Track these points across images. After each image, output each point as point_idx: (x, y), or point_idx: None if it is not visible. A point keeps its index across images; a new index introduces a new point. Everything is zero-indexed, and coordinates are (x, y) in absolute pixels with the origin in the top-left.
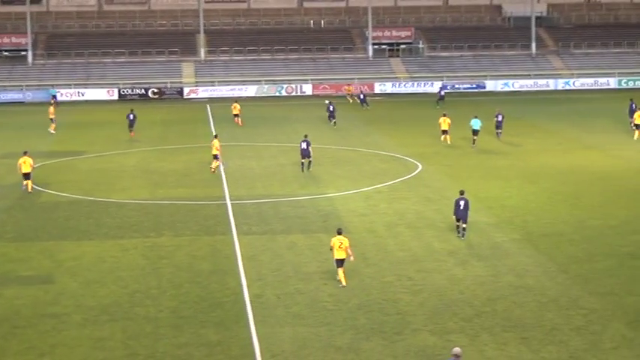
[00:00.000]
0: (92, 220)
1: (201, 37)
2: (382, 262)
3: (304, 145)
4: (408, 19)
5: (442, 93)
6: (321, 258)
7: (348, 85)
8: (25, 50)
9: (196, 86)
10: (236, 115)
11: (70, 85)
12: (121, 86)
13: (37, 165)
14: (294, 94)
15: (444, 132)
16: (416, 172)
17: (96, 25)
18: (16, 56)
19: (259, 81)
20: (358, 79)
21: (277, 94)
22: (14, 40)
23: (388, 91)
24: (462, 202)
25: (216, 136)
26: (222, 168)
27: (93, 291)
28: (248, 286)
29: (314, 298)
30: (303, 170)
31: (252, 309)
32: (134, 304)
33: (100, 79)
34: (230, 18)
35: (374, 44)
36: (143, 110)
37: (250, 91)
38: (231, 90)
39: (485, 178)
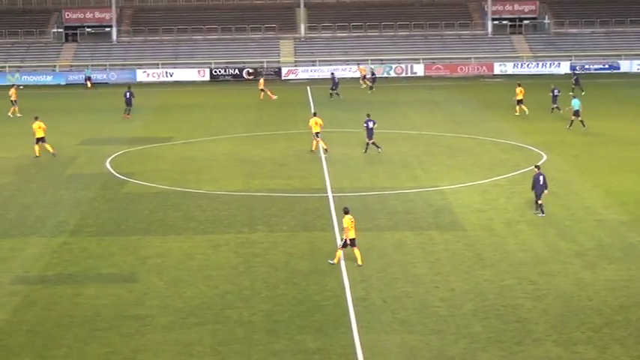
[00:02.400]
0: (180, 213)
1: (302, 12)
2: (500, 263)
3: (371, 125)
4: None
5: (576, 75)
6: (432, 258)
7: (359, 66)
8: (110, 26)
9: (295, 66)
10: (262, 90)
11: (157, 64)
12: (212, 66)
13: (120, 152)
14: (403, 75)
15: (519, 102)
16: (539, 163)
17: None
18: (99, 32)
19: (365, 60)
20: (475, 58)
21: (385, 75)
22: (98, 15)
23: (509, 72)
24: (541, 177)
25: (315, 114)
26: (322, 152)
27: (180, 291)
28: (350, 289)
29: (424, 302)
30: (366, 152)
31: (355, 314)
32: (225, 307)
33: (190, 58)
34: None
35: (494, 19)
36: (236, 92)
37: (356, 72)
38: (334, 70)
39: (618, 171)
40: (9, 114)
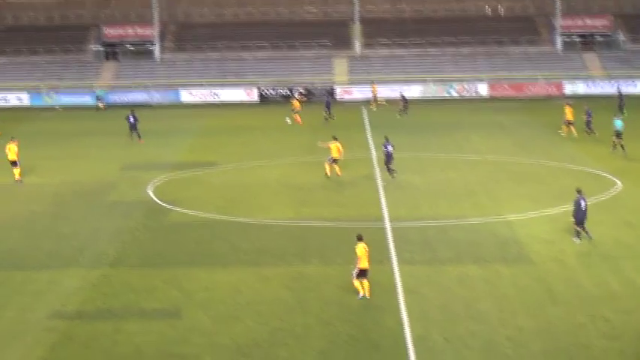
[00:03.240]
0: (227, 243)
1: (357, 27)
2: (572, 299)
3: (390, 149)
4: (606, 4)
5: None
6: (498, 293)
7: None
8: (152, 43)
9: (350, 85)
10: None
11: (202, 84)
12: (261, 86)
13: (163, 178)
14: (466, 95)
15: (569, 123)
16: (614, 190)
17: (233, 14)
18: (141, 51)
19: (425, 79)
20: (543, 77)
21: (446, 94)
22: (139, 31)
23: (580, 92)
24: (582, 202)
25: (335, 138)
26: (379, 183)
27: (227, 328)
28: (410, 326)
29: (489, 341)
30: (392, 176)
31: (415, 353)
32: (275, 344)
33: (238, 78)
34: (390, 4)
35: (563, 35)
36: (286, 114)
37: (414, 91)
38: (392, 90)
39: None
40: None
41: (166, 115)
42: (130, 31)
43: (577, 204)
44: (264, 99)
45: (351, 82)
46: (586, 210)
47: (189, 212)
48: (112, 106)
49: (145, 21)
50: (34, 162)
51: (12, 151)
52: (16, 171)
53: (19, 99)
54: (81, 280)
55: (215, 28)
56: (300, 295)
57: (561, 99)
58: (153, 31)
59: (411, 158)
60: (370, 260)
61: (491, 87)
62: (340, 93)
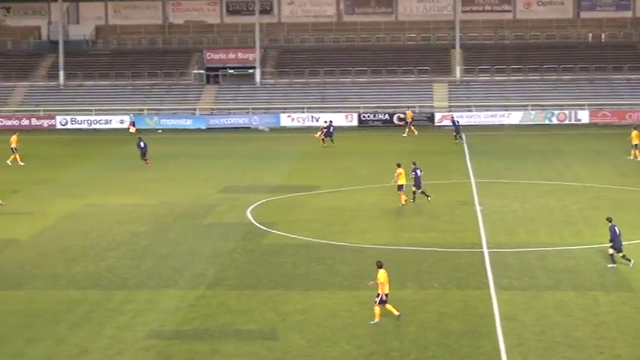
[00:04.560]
0: (324, 266)
1: (457, 53)
2: None
3: (419, 173)
4: None
5: None
6: (596, 321)
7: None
8: (253, 67)
9: (450, 111)
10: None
11: (302, 108)
12: (361, 110)
13: (262, 201)
14: (566, 122)
15: (635, 147)
16: None
17: (334, 39)
18: (242, 74)
19: (525, 106)
20: None
21: (546, 121)
22: (241, 55)
23: None
24: (616, 229)
25: (399, 165)
26: (478, 209)
27: (322, 351)
28: (507, 352)
29: None
30: (414, 200)
31: None
32: None
33: (338, 102)
34: (492, 30)
35: None
36: (386, 139)
37: (514, 118)
38: (492, 117)
39: None
40: (7, 161)
41: (265, 138)
42: (231, 55)
43: (614, 230)
44: (363, 123)
45: (451, 108)
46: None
47: (287, 235)
48: (212, 129)
49: (247, 46)
50: (134, 184)
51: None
52: None
53: (122, 121)
54: (179, 301)
55: (315, 53)
56: (396, 319)
57: None
58: (254, 56)
59: (511, 185)
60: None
61: (592, 114)
62: (439, 119)
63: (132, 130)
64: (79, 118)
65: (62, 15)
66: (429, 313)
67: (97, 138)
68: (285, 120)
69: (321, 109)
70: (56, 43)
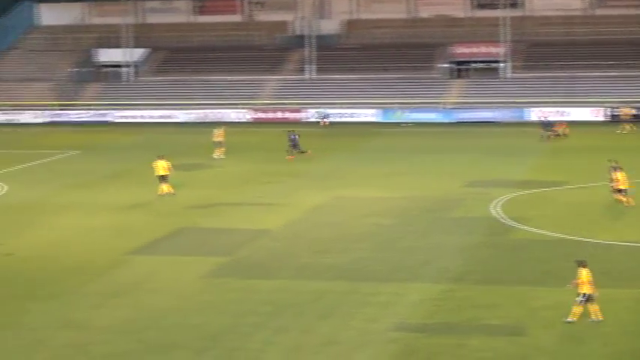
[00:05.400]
0: (571, 263)
1: None
2: None
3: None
4: None
5: None
6: None
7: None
8: (499, 62)
9: None
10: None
11: (549, 102)
12: (608, 105)
13: (508, 196)
14: None
15: None
16: None
17: (583, 33)
18: (488, 68)
19: None
20: None
21: None
22: (488, 49)
23: None
24: None
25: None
26: None
27: (571, 348)
28: None
29: None
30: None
31: None
32: None
33: (585, 97)
34: None
35: None
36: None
37: None
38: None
39: None
40: (214, 155)
41: (510, 133)
42: (478, 49)
43: None
44: (614, 117)
45: None
46: None
47: (534, 230)
48: (458, 123)
49: (494, 40)
50: (380, 177)
51: (161, 167)
52: (164, 186)
53: (370, 115)
54: (424, 294)
55: (565, 47)
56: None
57: None
58: (501, 50)
59: None
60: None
61: None
62: None
63: (322, 123)
64: (327, 111)
65: (312, 10)
66: None
67: (345, 131)
68: (530, 114)
69: (568, 104)
70: (306, 37)
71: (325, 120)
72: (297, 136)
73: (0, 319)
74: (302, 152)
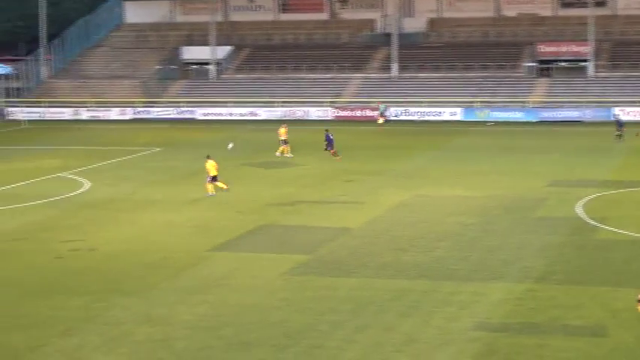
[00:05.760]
0: None
1: None
2: None
3: None
4: None
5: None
6: None
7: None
8: (584, 61)
9: None
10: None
11: (635, 102)
12: None
13: (592, 196)
14: None
15: None
16: None
17: None
18: (574, 67)
19: None
20: None
21: None
22: (573, 48)
23: None
24: None
25: None
26: None
27: None
28: None
29: None
30: None
31: None
32: None
33: None
34: None
35: None
36: None
37: None
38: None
39: None
40: (277, 153)
41: (597, 133)
42: (564, 48)
43: None
44: None
45: None
46: None
47: (619, 231)
48: (543, 123)
49: (580, 38)
50: (462, 175)
51: (212, 167)
52: (219, 184)
53: (453, 113)
54: (506, 294)
55: None
56: None
57: None
58: (587, 49)
59: None
60: None
61: None
62: None
63: (380, 121)
64: (410, 109)
65: (397, 8)
66: None
67: (428, 129)
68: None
69: None
70: (390, 35)
71: (384, 116)
72: (332, 136)
73: (83, 314)
74: (334, 154)
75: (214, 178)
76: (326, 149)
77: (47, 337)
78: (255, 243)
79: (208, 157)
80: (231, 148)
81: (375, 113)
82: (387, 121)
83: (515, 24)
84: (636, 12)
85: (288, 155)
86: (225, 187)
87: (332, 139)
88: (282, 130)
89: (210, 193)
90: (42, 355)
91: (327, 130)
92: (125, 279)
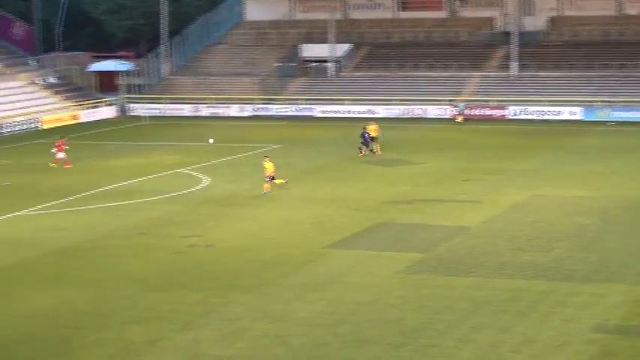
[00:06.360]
0: None
1: None
2: None
3: None
4: None
5: None
6: None
7: None
8: None
9: None
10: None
11: None
12: None
13: None
14: None
15: None
16: None
17: None
18: None
19: None
20: None
21: None
22: None
23: None
24: None
25: None
26: None
27: None
28: None
29: None
30: None
31: None
32: None
33: None
34: None
35: None
36: None
37: None
38: None
39: None
40: (365, 152)
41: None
42: None
43: None
44: None
45: None
46: None
47: None
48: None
49: None
50: (581, 176)
51: (270, 167)
52: (267, 185)
53: (573, 113)
54: (624, 296)
55: None
56: None
57: None
58: None
59: None
60: None
61: None
62: None
63: (459, 119)
64: (530, 108)
65: (517, 6)
66: None
67: (548, 129)
68: None
69: None
70: (510, 34)
71: (461, 114)
72: (368, 134)
73: (202, 309)
74: (371, 151)
75: (272, 178)
76: (364, 147)
77: (165, 332)
78: (371, 241)
79: (266, 157)
80: (212, 142)
81: (498, 112)
82: (465, 120)
83: (637, 22)
84: None
85: (377, 152)
86: (283, 181)
87: (367, 138)
88: (372, 127)
89: (266, 191)
90: (160, 349)
91: (364, 129)
92: (242, 275)
